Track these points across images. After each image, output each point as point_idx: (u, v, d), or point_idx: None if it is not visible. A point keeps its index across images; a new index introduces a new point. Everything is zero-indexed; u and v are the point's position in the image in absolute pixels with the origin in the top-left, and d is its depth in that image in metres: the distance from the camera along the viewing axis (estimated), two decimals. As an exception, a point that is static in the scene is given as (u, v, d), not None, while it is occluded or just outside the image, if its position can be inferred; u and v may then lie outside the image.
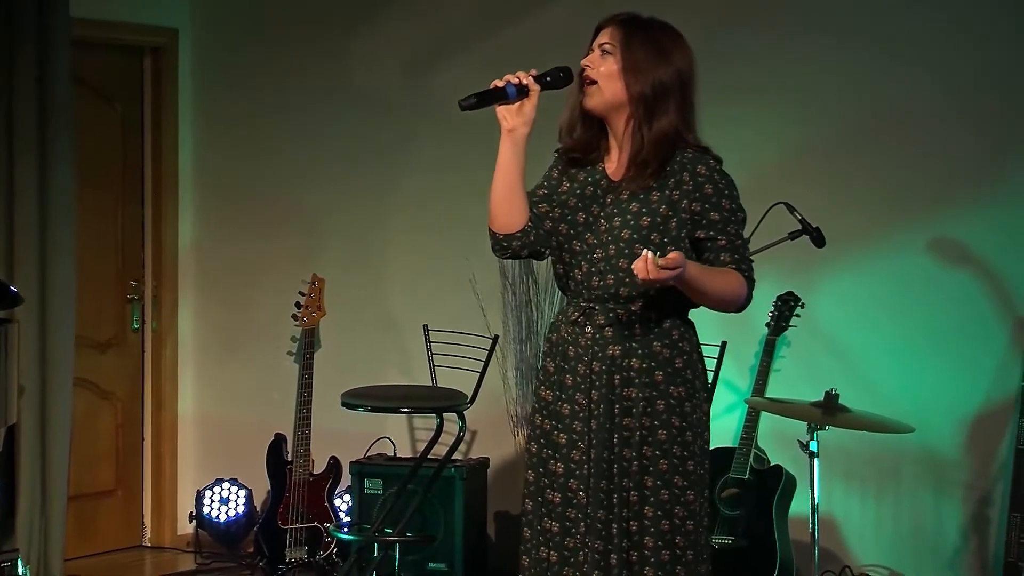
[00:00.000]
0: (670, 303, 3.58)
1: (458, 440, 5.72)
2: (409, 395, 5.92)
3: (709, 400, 3.72)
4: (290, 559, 6.31)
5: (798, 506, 5.45)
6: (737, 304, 3.57)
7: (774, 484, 5.43)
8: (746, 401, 5.47)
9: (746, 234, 3.66)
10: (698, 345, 3.68)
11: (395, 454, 6.41)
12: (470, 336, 6.15)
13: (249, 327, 6.97)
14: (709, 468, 3.67)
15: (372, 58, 6.68)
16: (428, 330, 6.28)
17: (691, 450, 3.59)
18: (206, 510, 6.73)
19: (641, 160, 3.58)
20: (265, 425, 6.61)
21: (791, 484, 5.47)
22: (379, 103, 6.64)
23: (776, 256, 5.32)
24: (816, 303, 5.67)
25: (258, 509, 6.73)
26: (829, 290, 5.73)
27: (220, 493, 6.74)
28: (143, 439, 7.02)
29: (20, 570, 5.56)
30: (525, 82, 3.57)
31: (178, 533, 7.03)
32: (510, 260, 3.76)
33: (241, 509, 6.73)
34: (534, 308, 6.15)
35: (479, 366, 5.98)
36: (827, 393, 4.75)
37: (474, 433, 6.39)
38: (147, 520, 7.05)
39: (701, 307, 3.62)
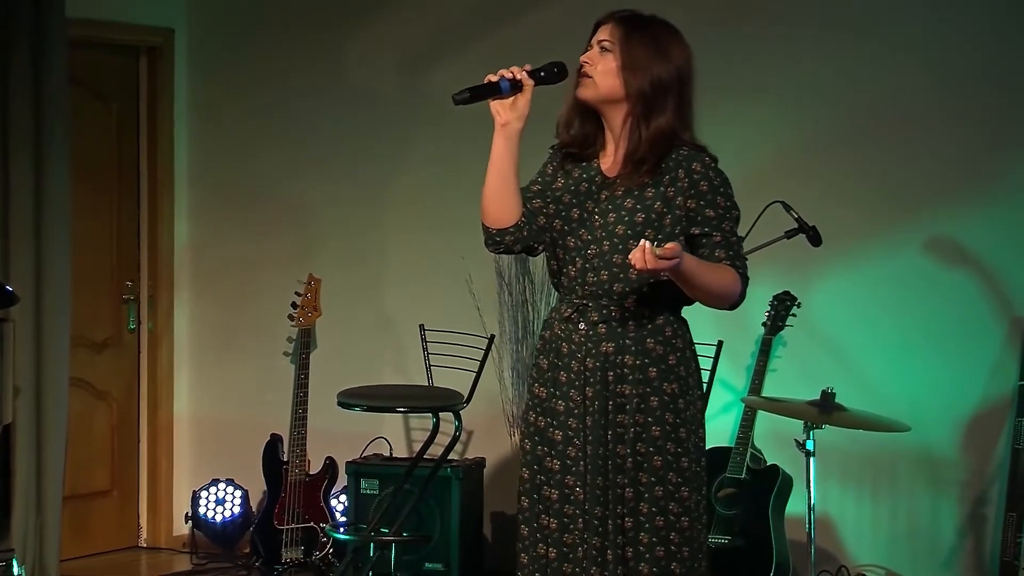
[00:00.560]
0: (663, 299, 3.58)
1: (454, 440, 5.71)
2: (405, 395, 5.92)
3: (704, 398, 3.72)
4: (286, 559, 6.30)
5: (794, 506, 5.44)
6: (731, 300, 3.57)
7: (770, 484, 5.42)
8: (742, 400, 5.47)
9: (742, 232, 3.67)
10: (691, 342, 3.68)
11: (391, 454, 6.40)
12: (466, 336, 6.14)
13: (245, 327, 6.96)
14: (705, 465, 3.67)
15: (368, 57, 6.68)
16: (424, 330, 6.27)
17: (685, 446, 3.59)
18: (202, 510, 6.72)
19: (638, 158, 3.58)
20: (261, 425, 6.60)
21: (787, 484, 5.46)
22: (375, 102, 6.64)
23: (772, 254, 5.32)
24: (812, 302, 5.67)
25: (254, 509, 6.72)
26: (825, 289, 5.73)
27: (216, 493, 6.73)
28: (139, 439, 7.02)
29: (16, 570, 5.55)
30: (519, 77, 3.57)
31: (174, 534, 7.02)
32: (503, 255, 3.75)
33: (237, 509, 6.72)
34: (530, 308, 6.15)
35: (475, 366, 5.98)
36: (823, 392, 4.74)
37: (470, 433, 6.39)
38: (143, 520, 7.04)
39: (696, 306, 3.63)
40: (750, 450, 5.48)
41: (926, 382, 5.56)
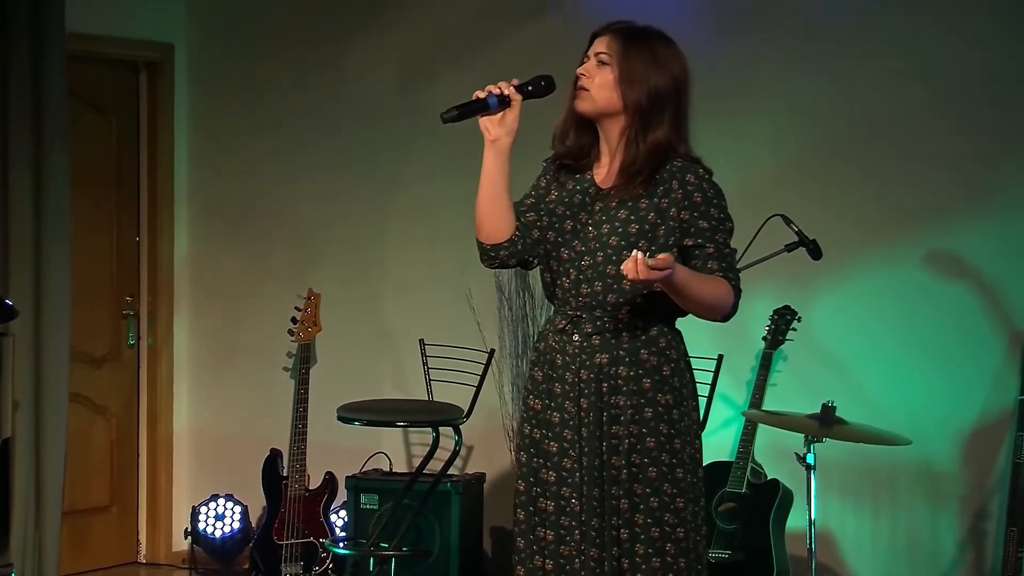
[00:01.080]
0: (657, 311, 3.58)
1: (454, 454, 5.70)
2: (405, 409, 5.91)
3: (698, 409, 3.71)
4: (286, 574, 6.29)
5: (794, 520, 5.43)
6: (723, 312, 3.57)
7: (771, 498, 5.41)
8: (743, 413, 5.46)
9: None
10: (686, 353, 3.68)
11: (391, 469, 6.39)
12: (466, 350, 6.14)
13: (245, 342, 6.96)
14: (702, 476, 3.66)
15: (367, 71, 6.68)
16: (424, 344, 6.27)
17: (680, 457, 3.58)
18: (201, 526, 6.70)
19: (635, 170, 3.58)
20: (261, 440, 6.59)
21: (788, 498, 5.45)
22: (374, 116, 6.64)
23: (773, 268, 5.32)
24: (813, 315, 5.66)
25: (254, 525, 6.70)
26: (826, 302, 5.72)
27: (215, 509, 6.72)
28: (138, 454, 7.01)
29: (14, 585, 5.55)
30: (507, 92, 3.58)
31: (173, 549, 7.01)
32: (498, 269, 3.76)
33: (237, 525, 6.71)
34: (530, 323, 6.14)
35: (475, 380, 5.97)
36: (824, 405, 4.73)
37: (470, 448, 6.38)
38: (142, 536, 7.03)
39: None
40: (751, 464, 5.47)
41: (926, 396, 5.55)
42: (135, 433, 6.99)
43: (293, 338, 6.48)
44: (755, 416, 5.28)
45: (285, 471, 6.38)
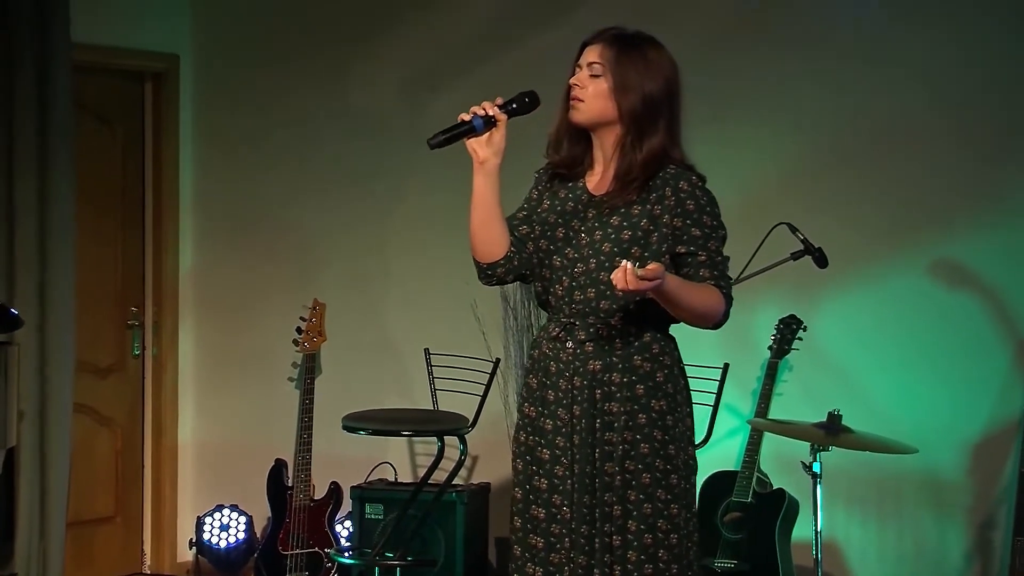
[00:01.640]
0: (651, 317, 3.58)
1: (459, 464, 5.70)
2: (410, 419, 5.91)
3: (692, 415, 3.70)
4: (291, 585, 6.29)
5: (800, 530, 5.42)
6: (714, 320, 3.56)
7: (777, 507, 5.40)
8: (749, 422, 5.45)
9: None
10: (680, 359, 3.67)
11: (396, 479, 6.39)
12: (471, 360, 6.13)
13: (250, 352, 6.95)
14: (695, 483, 3.65)
15: (371, 82, 6.69)
16: (429, 354, 6.26)
17: (674, 464, 3.58)
18: (206, 536, 6.70)
19: (631, 178, 3.58)
20: (265, 451, 6.58)
21: (794, 508, 5.44)
22: (379, 127, 6.65)
23: (778, 276, 5.31)
24: (818, 324, 5.66)
25: (258, 535, 6.70)
26: (831, 310, 5.71)
27: (220, 519, 6.71)
28: (143, 465, 7.00)
29: (19, 596, 5.55)
30: (491, 113, 3.58)
31: (178, 560, 7.00)
32: (497, 285, 3.76)
33: (242, 535, 6.70)
34: (535, 333, 6.14)
35: (480, 390, 5.97)
36: (830, 414, 4.72)
37: (475, 458, 6.37)
38: (147, 547, 7.02)
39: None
40: (756, 474, 5.46)
41: (932, 405, 5.54)
42: (140, 443, 6.99)
43: (298, 348, 6.48)
44: (761, 425, 5.27)
45: (290, 481, 6.37)
